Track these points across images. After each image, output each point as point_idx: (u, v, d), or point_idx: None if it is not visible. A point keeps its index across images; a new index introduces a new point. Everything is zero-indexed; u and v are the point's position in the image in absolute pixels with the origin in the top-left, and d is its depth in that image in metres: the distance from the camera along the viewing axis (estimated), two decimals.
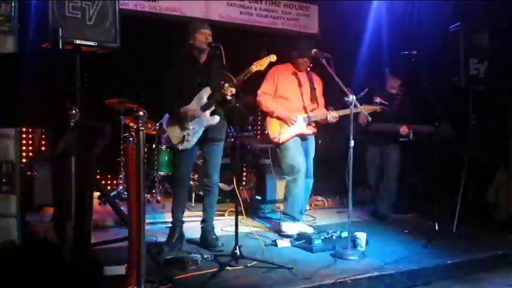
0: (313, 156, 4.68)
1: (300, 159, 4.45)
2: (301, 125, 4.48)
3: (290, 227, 4.41)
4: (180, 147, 3.90)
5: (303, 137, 4.55)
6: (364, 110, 4.36)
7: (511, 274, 3.71)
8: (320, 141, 6.50)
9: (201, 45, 3.87)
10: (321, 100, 4.67)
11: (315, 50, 4.19)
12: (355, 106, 3.93)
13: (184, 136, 3.89)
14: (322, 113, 4.51)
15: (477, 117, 4.78)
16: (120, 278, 2.59)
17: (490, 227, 4.59)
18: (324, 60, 4.04)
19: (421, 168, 5.33)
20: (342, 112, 4.39)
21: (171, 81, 4.01)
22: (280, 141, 4.46)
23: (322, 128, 5.11)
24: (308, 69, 4.73)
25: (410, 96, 5.16)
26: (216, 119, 3.92)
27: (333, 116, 4.42)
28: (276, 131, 4.46)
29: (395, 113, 4.94)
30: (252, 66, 3.91)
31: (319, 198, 6.11)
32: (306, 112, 4.51)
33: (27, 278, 1.98)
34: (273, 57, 3.98)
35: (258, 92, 4.54)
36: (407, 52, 4.84)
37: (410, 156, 5.57)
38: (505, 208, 4.67)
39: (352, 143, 3.78)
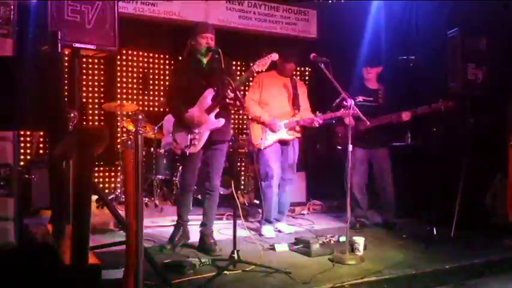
0: (294, 161, 4.79)
1: (275, 166, 4.63)
2: (282, 131, 4.63)
3: (268, 230, 4.60)
4: (188, 151, 3.90)
5: (283, 142, 4.69)
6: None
7: (509, 280, 3.71)
8: (318, 146, 6.54)
9: (202, 48, 3.89)
10: (305, 105, 4.83)
11: (314, 54, 4.21)
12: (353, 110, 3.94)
13: (191, 140, 3.89)
14: (302, 118, 4.65)
15: (475, 121, 4.79)
16: (118, 282, 2.59)
17: (488, 233, 4.58)
18: (322, 64, 4.07)
19: (419, 173, 5.32)
20: (323, 117, 4.61)
21: (176, 84, 4.04)
22: (262, 147, 4.61)
23: (320, 132, 5.14)
24: (293, 75, 4.89)
25: (391, 88, 5.13)
26: (221, 121, 3.92)
27: (316, 120, 4.57)
28: (259, 136, 4.62)
29: (382, 107, 4.90)
30: (254, 66, 3.95)
31: (317, 202, 6.11)
32: (288, 118, 4.65)
33: (25, 282, 1.97)
34: (274, 56, 4.01)
35: (245, 98, 4.65)
36: (405, 57, 4.85)
37: (408, 160, 5.57)
38: (502, 213, 4.67)
39: (350, 147, 3.80)
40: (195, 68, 3.97)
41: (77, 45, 3.36)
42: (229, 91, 3.75)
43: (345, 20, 6.87)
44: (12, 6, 3.13)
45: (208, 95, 3.89)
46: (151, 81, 6.90)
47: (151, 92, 6.87)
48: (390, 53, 6.00)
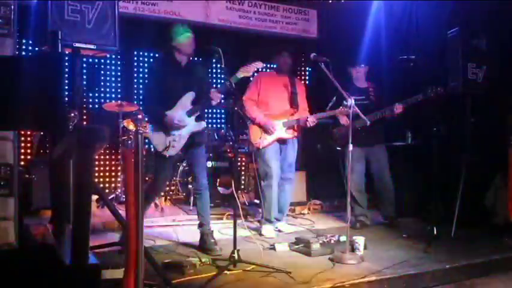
0: (293, 160, 4.80)
1: (274, 165, 4.63)
2: (280, 130, 4.63)
3: (268, 230, 4.59)
4: (167, 153, 3.87)
5: (282, 141, 4.69)
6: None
7: (509, 279, 3.71)
8: (318, 146, 6.54)
9: (186, 49, 3.88)
10: (303, 104, 4.82)
11: (314, 54, 4.21)
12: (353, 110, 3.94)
13: (169, 142, 3.87)
14: (301, 117, 4.65)
15: (476, 121, 4.79)
16: (118, 282, 2.58)
17: (489, 232, 4.58)
18: (322, 64, 4.06)
19: (419, 172, 5.32)
20: (320, 115, 4.63)
21: (155, 84, 3.97)
22: (261, 147, 4.62)
23: (321, 131, 5.14)
24: (290, 74, 4.87)
25: (380, 85, 5.15)
26: (202, 124, 3.93)
27: (311, 120, 4.58)
28: (257, 136, 4.63)
29: (374, 104, 4.89)
30: (239, 73, 3.95)
31: (317, 202, 6.10)
32: (286, 117, 4.65)
33: (25, 282, 1.97)
34: (259, 64, 4.02)
35: (243, 97, 4.66)
36: (405, 57, 4.84)
37: (409, 160, 5.57)
38: (503, 213, 4.67)
39: (350, 147, 3.80)
40: (174, 69, 3.93)
41: (77, 44, 3.36)
42: (214, 95, 3.77)
43: (345, 20, 6.87)
44: (12, 6, 3.13)
45: (189, 98, 3.88)
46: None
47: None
48: (390, 52, 6.01)
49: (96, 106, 6.45)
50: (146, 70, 6.50)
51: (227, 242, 3.89)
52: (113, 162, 6.54)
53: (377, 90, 5.04)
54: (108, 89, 6.67)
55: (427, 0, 5.77)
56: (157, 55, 4.07)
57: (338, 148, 5.01)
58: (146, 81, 4.00)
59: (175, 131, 3.87)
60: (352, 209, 4.82)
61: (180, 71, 3.94)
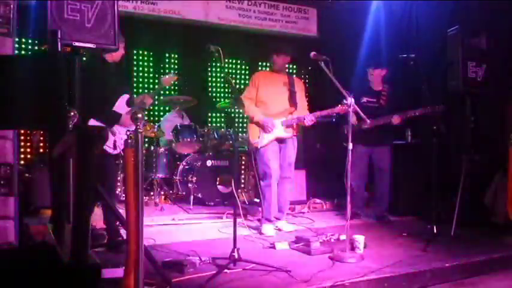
0: (293, 159, 4.79)
1: (274, 165, 4.61)
2: (279, 129, 4.62)
3: (268, 229, 4.58)
4: (114, 152, 3.87)
5: (282, 141, 4.68)
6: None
7: (509, 277, 3.71)
8: (318, 145, 6.54)
9: (115, 55, 3.90)
10: (302, 103, 4.82)
11: (314, 52, 4.21)
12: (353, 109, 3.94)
13: (115, 142, 3.86)
14: (299, 116, 4.64)
15: (476, 119, 4.79)
16: (119, 281, 2.59)
17: (488, 230, 4.59)
18: (322, 63, 4.06)
19: (419, 171, 5.32)
20: (318, 114, 4.58)
21: (94, 85, 3.82)
22: (259, 146, 4.60)
23: (321, 130, 5.13)
24: (289, 73, 4.94)
25: (395, 90, 5.18)
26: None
27: (309, 119, 4.56)
28: (256, 135, 4.62)
29: (384, 109, 4.94)
30: (160, 85, 4.10)
31: (317, 200, 6.11)
32: (285, 115, 4.64)
33: (25, 281, 1.98)
34: (175, 77, 4.10)
35: (242, 96, 4.62)
36: (405, 55, 4.84)
37: (408, 159, 5.58)
38: (503, 211, 4.68)
39: (350, 145, 3.80)
40: (105, 70, 3.93)
41: (76, 44, 3.35)
42: (147, 98, 3.84)
43: (345, 19, 6.87)
44: (12, 6, 3.14)
45: (125, 98, 3.90)
46: None
47: None
48: (390, 51, 6.00)
49: None
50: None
51: (227, 241, 3.89)
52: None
53: (391, 95, 5.07)
54: None
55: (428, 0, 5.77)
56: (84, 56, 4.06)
57: (345, 144, 5.02)
58: (85, 82, 3.97)
59: (116, 131, 3.87)
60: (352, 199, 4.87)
61: (110, 72, 3.95)
